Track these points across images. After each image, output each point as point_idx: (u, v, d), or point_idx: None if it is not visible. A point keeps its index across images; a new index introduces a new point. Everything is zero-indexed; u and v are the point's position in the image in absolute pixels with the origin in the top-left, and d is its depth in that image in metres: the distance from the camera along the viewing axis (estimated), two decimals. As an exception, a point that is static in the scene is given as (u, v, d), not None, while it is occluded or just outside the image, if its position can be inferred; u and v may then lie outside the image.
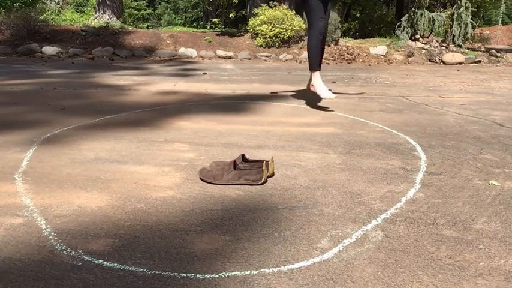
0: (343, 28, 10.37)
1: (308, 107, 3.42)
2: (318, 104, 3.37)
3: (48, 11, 12.02)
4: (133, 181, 1.71)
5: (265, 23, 9.38)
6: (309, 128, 2.67)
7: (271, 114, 3.12)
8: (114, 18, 11.33)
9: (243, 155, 1.82)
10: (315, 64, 3.20)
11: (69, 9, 13.04)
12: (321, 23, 3.08)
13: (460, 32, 9.87)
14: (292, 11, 9.80)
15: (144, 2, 23.68)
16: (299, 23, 9.47)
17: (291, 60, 9.02)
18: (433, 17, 9.81)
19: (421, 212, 1.44)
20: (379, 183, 1.71)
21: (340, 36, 10.00)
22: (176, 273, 1.07)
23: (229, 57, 9.26)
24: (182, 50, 9.37)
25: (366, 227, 1.33)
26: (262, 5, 10.01)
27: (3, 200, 1.51)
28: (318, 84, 3.21)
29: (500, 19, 14.59)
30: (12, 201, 1.50)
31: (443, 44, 9.85)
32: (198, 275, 1.06)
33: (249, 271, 1.08)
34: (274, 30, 9.31)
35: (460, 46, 9.81)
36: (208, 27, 13.59)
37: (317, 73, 3.21)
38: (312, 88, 3.29)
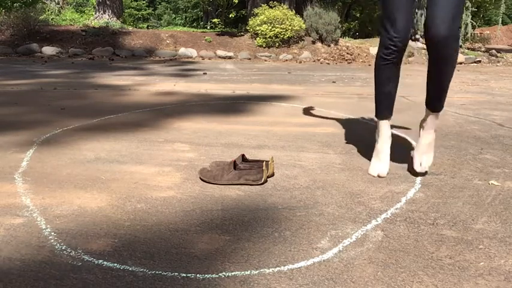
0: (343, 28, 10.36)
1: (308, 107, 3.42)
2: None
3: (48, 11, 12.02)
4: (133, 181, 1.71)
5: (265, 23, 9.37)
6: (309, 128, 2.67)
7: (271, 114, 3.12)
8: (114, 18, 11.33)
9: (243, 155, 1.82)
10: (377, 106, 1.90)
11: (69, 9, 13.04)
12: (389, 35, 1.69)
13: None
14: (292, 11, 9.80)
15: (144, 2, 23.67)
16: (299, 23, 9.47)
17: (291, 60, 9.02)
18: (433, 17, 9.80)
19: (421, 212, 1.44)
20: (379, 183, 1.71)
21: (340, 36, 10.00)
22: (176, 273, 1.07)
23: (229, 57, 9.26)
24: (182, 50, 9.36)
25: (366, 227, 1.33)
26: (262, 5, 10.01)
27: (3, 200, 1.51)
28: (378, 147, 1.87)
29: (500, 19, 14.60)
30: (12, 201, 1.50)
31: (443, 44, 9.83)
32: (198, 275, 1.06)
33: (249, 271, 1.08)
34: (274, 30, 9.31)
35: (460, 46, 9.81)
36: (208, 27, 13.59)
37: (382, 124, 1.88)
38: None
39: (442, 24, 1.56)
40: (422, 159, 1.80)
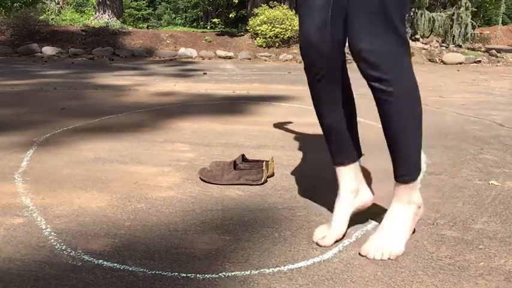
0: (343, 28, 10.37)
1: (308, 107, 3.42)
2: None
3: (48, 11, 12.02)
4: (133, 181, 1.71)
5: (265, 23, 9.37)
6: (309, 128, 2.66)
7: (271, 114, 3.12)
8: (114, 18, 11.33)
9: (243, 155, 1.82)
10: (329, 146, 1.34)
11: (69, 9, 13.04)
12: (306, 29, 1.16)
13: (460, 32, 9.88)
14: (292, 11, 9.80)
15: (144, 2, 23.68)
16: (299, 23, 9.46)
17: (291, 60, 9.02)
18: (433, 17, 9.81)
19: (421, 212, 1.44)
20: (379, 183, 1.71)
21: (340, 36, 9.99)
22: (176, 273, 1.07)
23: (229, 57, 9.26)
24: (182, 50, 9.36)
25: (366, 227, 1.33)
26: (262, 5, 10.01)
27: (3, 200, 1.51)
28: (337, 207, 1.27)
29: (500, 19, 14.60)
30: (12, 201, 1.50)
31: (443, 44, 9.84)
32: (198, 275, 1.06)
33: (249, 271, 1.08)
34: (274, 30, 9.31)
35: (460, 46, 9.81)
36: (208, 27, 13.59)
37: (338, 173, 1.29)
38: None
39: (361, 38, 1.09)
40: (371, 247, 1.14)
